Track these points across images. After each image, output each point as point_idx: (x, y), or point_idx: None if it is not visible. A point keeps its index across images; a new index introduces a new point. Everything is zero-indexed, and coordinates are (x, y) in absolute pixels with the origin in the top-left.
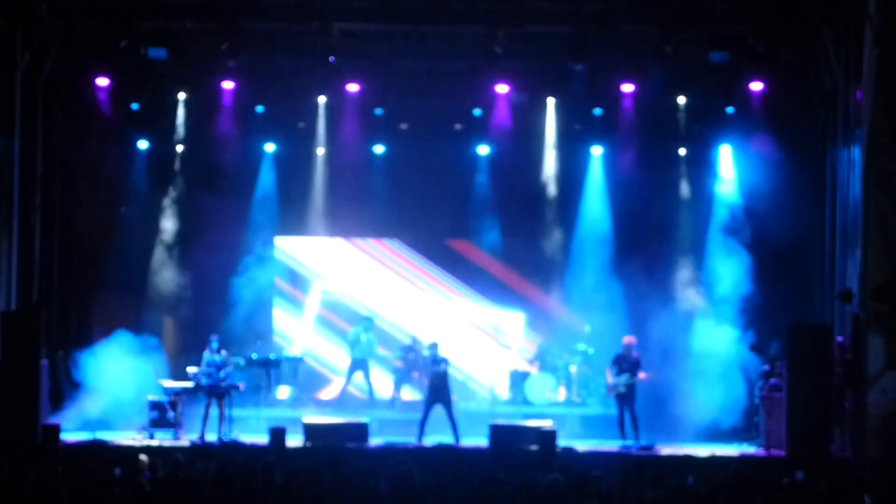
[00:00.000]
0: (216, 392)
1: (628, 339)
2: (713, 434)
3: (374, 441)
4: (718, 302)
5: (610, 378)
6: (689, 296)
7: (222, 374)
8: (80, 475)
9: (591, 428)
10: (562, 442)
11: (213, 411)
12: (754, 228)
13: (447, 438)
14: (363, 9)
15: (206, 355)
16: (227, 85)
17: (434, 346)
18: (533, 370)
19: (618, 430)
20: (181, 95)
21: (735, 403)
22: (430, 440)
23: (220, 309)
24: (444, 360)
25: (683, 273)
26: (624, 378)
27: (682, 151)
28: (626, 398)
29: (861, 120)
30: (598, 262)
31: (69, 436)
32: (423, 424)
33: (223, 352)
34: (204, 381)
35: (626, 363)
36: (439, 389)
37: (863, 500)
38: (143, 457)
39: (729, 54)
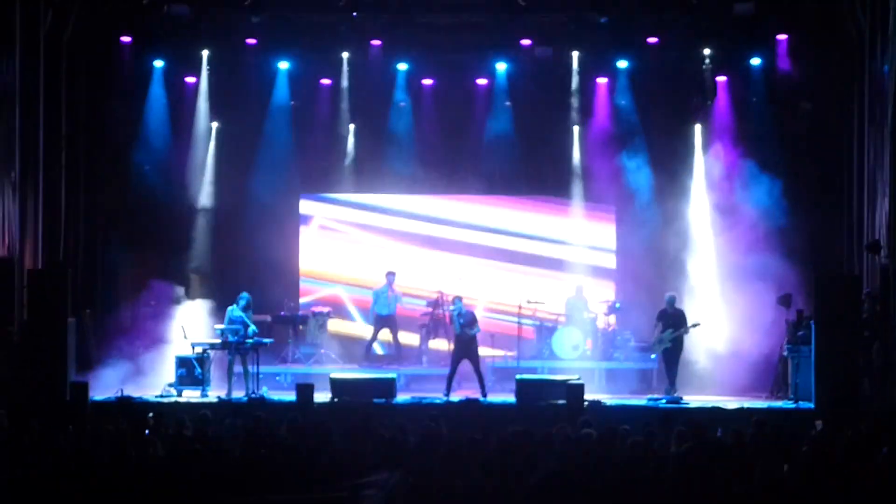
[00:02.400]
0: (242, 349)
1: (670, 294)
2: (741, 387)
3: (402, 396)
4: (745, 254)
5: (656, 334)
6: (716, 250)
7: (250, 331)
8: (108, 432)
9: (619, 382)
10: (589, 396)
11: (238, 368)
12: (780, 181)
13: (474, 393)
14: None
15: (230, 310)
16: (251, 41)
17: (458, 301)
18: (560, 324)
19: (668, 382)
20: (204, 52)
21: (763, 356)
22: (457, 395)
23: (247, 267)
24: (470, 316)
25: (709, 226)
26: (668, 333)
27: (709, 104)
28: (671, 352)
29: (888, 70)
30: (625, 216)
31: (97, 394)
32: (450, 380)
33: (249, 311)
34: (231, 337)
35: (670, 319)
36: (466, 345)
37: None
38: (150, 415)
39: (754, 5)
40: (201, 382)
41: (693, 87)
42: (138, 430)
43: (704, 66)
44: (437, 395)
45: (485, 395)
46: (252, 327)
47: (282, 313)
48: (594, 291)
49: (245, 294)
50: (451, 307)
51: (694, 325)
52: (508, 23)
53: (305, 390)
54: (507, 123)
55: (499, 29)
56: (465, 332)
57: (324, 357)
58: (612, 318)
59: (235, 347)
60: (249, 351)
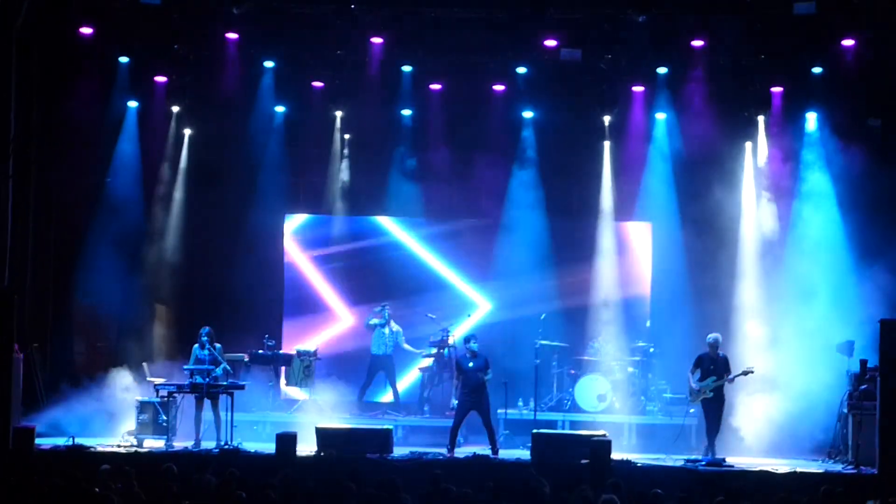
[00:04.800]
0: (213, 393)
1: (714, 336)
2: (794, 449)
3: (399, 451)
4: (800, 293)
5: (692, 382)
6: (766, 287)
7: (219, 370)
8: (57, 485)
9: (652, 439)
10: (617, 455)
11: (208, 415)
12: (842, 208)
13: (483, 449)
14: None
15: (196, 350)
16: (231, 36)
17: (472, 340)
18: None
19: (707, 441)
20: (177, 48)
21: (820, 413)
22: (463, 451)
23: (222, 297)
24: (482, 359)
25: (759, 262)
26: (710, 381)
27: (761, 118)
28: (713, 403)
29: None
30: (660, 247)
31: (45, 441)
32: (454, 433)
33: (216, 345)
34: (199, 379)
35: (712, 364)
36: (476, 392)
37: None
38: (105, 467)
39: (816, 4)
40: (166, 431)
41: (744, 97)
42: (90, 484)
43: (757, 75)
44: (439, 451)
45: (496, 453)
46: (224, 364)
47: (261, 352)
48: (624, 332)
49: (205, 329)
50: (468, 346)
51: (745, 373)
52: (531, 20)
53: (287, 441)
54: (528, 135)
55: (519, 26)
56: (475, 376)
57: (309, 404)
58: (645, 365)
59: (205, 391)
60: (222, 395)
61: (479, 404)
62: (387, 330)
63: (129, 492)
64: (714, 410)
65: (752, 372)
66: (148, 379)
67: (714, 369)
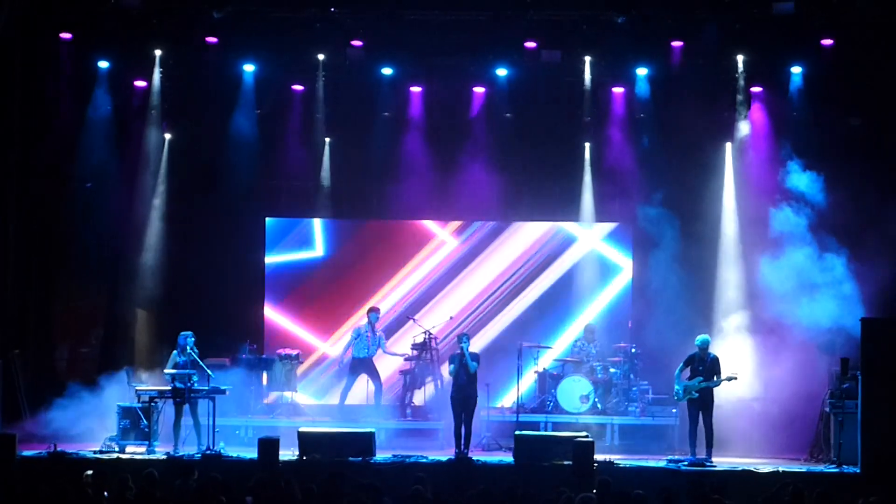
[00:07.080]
0: (192, 397)
1: (703, 337)
2: (776, 448)
3: (381, 454)
4: (781, 292)
5: (678, 381)
6: (748, 286)
7: (198, 376)
8: (39, 492)
9: (634, 440)
10: (599, 456)
11: (188, 420)
12: (824, 209)
13: (475, 454)
14: None
15: (175, 355)
16: (211, 40)
17: (465, 339)
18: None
19: (689, 443)
20: (157, 52)
21: (801, 412)
22: (446, 454)
23: (204, 301)
24: (473, 356)
25: (740, 265)
26: (696, 382)
27: (741, 118)
28: (699, 405)
29: None
30: (641, 247)
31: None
32: (458, 434)
33: (195, 350)
34: (178, 384)
35: (700, 365)
36: (465, 389)
37: None
38: (88, 472)
39: (795, 4)
40: (148, 436)
41: (724, 98)
42: (74, 491)
43: (737, 74)
44: (422, 454)
45: (465, 452)
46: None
47: (243, 356)
48: (606, 333)
49: (183, 333)
50: (459, 344)
51: (729, 379)
52: (511, 21)
53: (269, 446)
54: (508, 137)
55: (500, 28)
56: (465, 375)
57: (291, 408)
58: (627, 366)
59: (187, 396)
60: (203, 400)
61: (467, 403)
62: (369, 333)
63: (110, 497)
64: (697, 412)
65: (736, 378)
66: (130, 384)
67: (702, 370)
